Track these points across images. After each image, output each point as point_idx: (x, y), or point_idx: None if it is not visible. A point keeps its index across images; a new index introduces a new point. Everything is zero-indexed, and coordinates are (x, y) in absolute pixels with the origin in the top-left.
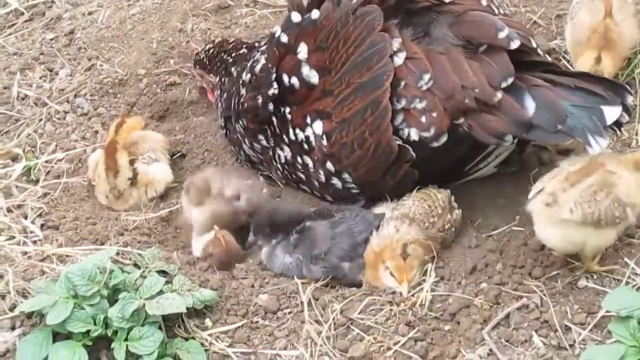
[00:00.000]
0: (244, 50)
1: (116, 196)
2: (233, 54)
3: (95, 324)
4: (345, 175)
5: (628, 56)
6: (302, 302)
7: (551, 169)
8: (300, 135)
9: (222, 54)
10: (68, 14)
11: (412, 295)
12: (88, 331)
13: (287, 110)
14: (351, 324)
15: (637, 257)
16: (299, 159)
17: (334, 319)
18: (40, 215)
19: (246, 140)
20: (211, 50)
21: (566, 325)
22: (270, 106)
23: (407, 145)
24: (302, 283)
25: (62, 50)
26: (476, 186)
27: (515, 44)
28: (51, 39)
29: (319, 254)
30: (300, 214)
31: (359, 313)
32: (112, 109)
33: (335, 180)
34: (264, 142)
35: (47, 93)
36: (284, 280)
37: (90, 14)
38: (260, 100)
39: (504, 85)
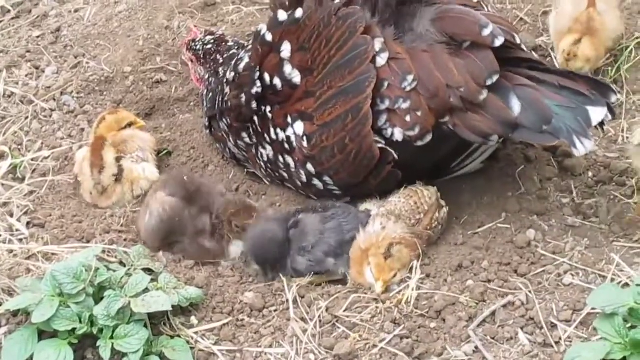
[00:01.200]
0: (234, 51)
1: (100, 192)
2: (225, 55)
3: (80, 322)
4: (326, 178)
5: (610, 48)
6: (287, 300)
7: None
8: (281, 135)
9: (217, 54)
10: (54, 11)
11: (398, 293)
12: (73, 329)
13: (268, 109)
14: (337, 321)
15: (623, 254)
16: (280, 158)
17: (319, 316)
18: (26, 213)
19: (231, 138)
20: (209, 46)
21: (552, 323)
22: (254, 105)
23: (388, 148)
24: (288, 281)
25: (48, 48)
26: (462, 183)
27: (499, 41)
28: (37, 37)
29: (306, 246)
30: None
31: (344, 311)
32: (98, 106)
33: (317, 182)
34: (247, 140)
35: (33, 91)
36: None
37: (76, 11)
38: (243, 99)
39: (489, 82)
